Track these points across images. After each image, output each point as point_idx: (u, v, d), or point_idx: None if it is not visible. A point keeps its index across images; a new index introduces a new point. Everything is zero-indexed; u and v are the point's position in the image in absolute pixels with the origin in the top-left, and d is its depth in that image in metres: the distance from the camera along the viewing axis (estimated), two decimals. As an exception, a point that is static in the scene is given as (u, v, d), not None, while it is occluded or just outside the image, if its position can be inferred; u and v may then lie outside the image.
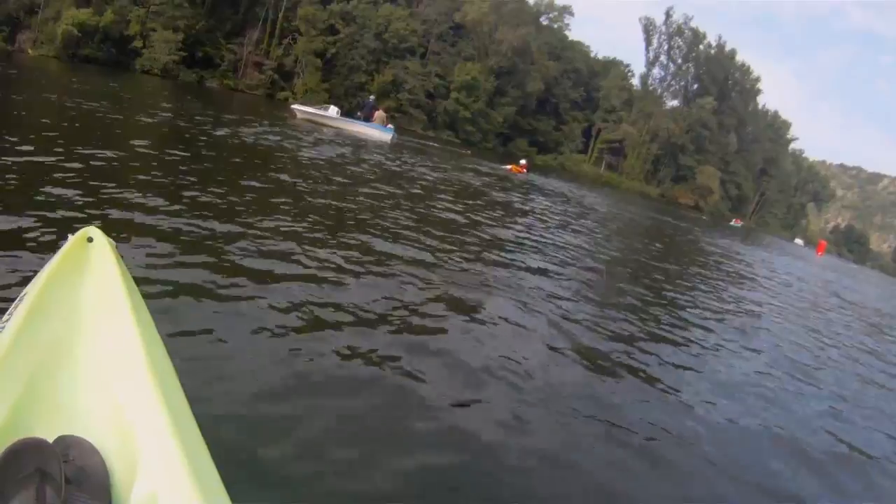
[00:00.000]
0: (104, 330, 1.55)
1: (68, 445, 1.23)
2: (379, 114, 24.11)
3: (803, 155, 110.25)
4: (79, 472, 1.20)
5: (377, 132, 22.71)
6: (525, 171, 28.61)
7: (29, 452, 1.13)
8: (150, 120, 13.47)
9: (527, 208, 14.37)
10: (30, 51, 40.03)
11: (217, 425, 2.03)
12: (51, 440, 1.21)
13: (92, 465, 1.23)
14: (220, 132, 13.55)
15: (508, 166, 28.69)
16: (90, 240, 1.76)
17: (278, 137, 15.16)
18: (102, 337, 1.54)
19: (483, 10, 57.86)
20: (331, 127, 22.26)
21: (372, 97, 27.05)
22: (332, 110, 23.82)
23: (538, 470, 2.74)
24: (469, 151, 36.81)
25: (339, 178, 10.72)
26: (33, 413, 1.31)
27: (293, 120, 22.22)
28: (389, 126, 24.32)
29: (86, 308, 1.61)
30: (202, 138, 11.72)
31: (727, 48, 78.94)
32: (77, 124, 9.87)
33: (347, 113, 25.35)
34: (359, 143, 19.16)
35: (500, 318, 4.84)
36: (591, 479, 2.83)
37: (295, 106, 24.39)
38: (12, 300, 1.68)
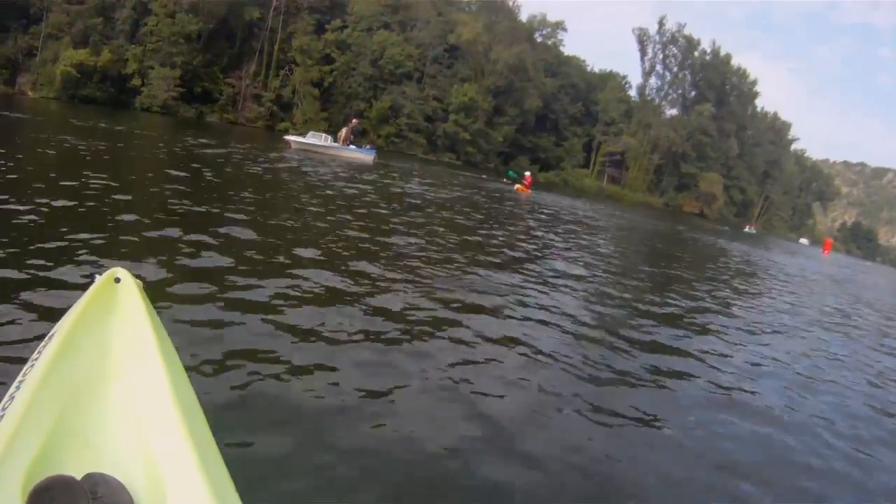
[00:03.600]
0: (132, 369, 1.59)
1: (96, 482, 1.25)
2: (343, 132, 25.68)
3: (805, 154, 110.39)
4: None
5: (362, 155, 24.79)
6: (529, 188, 28.40)
7: (58, 489, 1.17)
8: (156, 157, 13.66)
9: (545, 227, 14.28)
10: (30, 93, 40.59)
11: (241, 459, 2.03)
12: (79, 477, 1.23)
13: (120, 502, 1.25)
14: (225, 166, 13.82)
15: (515, 186, 28.53)
16: (118, 280, 1.82)
17: (281, 165, 16.06)
18: (130, 375, 1.57)
19: (476, 31, 58.27)
20: (324, 154, 23.36)
21: (355, 121, 28.66)
22: (324, 138, 25.22)
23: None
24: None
25: (353, 203, 10.73)
26: (62, 450, 1.33)
27: (289, 150, 22.98)
28: (369, 147, 27.22)
29: (114, 347, 1.65)
30: (210, 173, 11.80)
31: (722, 53, 79.29)
32: (86, 164, 9.88)
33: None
34: (351, 166, 20.37)
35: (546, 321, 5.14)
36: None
37: (289, 137, 25.47)
38: (41, 339, 1.71)
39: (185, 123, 34.79)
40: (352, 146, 25.02)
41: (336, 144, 24.79)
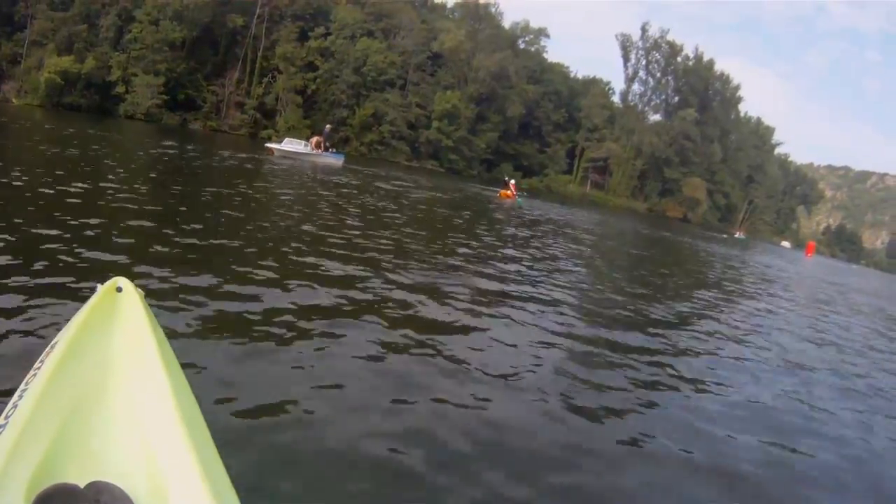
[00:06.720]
0: (134, 377, 1.61)
1: (99, 491, 1.25)
2: (315, 140, 27.96)
3: (789, 159, 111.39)
4: None
5: (332, 159, 27.33)
6: (514, 195, 28.32)
7: (61, 498, 1.17)
8: (144, 165, 13.96)
9: (532, 233, 14.54)
10: (14, 100, 40.43)
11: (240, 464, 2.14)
12: (82, 485, 1.25)
13: None
14: (213, 175, 14.27)
15: (499, 193, 28.67)
16: (119, 289, 1.83)
17: (266, 169, 17.39)
18: (132, 384, 1.59)
19: (459, 38, 58.71)
20: (300, 158, 25.06)
21: (328, 127, 31.56)
22: (304, 145, 27.27)
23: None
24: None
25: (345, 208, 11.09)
26: (65, 459, 1.34)
27: (272, 156, 24.15)
28: (336, 152, 29.95)
29: (116, 356, 1.67)
30: (202, 178, 12.25)
31: (706, 58, 79.76)
32: (77, 172, 10.07)
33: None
34: (323, 169, 22.52)
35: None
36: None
37: (270, 145, 27.29)
38: (43, 348, 1.75)
39: (169, 131, 34.85)
40: (324, 152, 27.03)
41: (313, 151, 26.46)
